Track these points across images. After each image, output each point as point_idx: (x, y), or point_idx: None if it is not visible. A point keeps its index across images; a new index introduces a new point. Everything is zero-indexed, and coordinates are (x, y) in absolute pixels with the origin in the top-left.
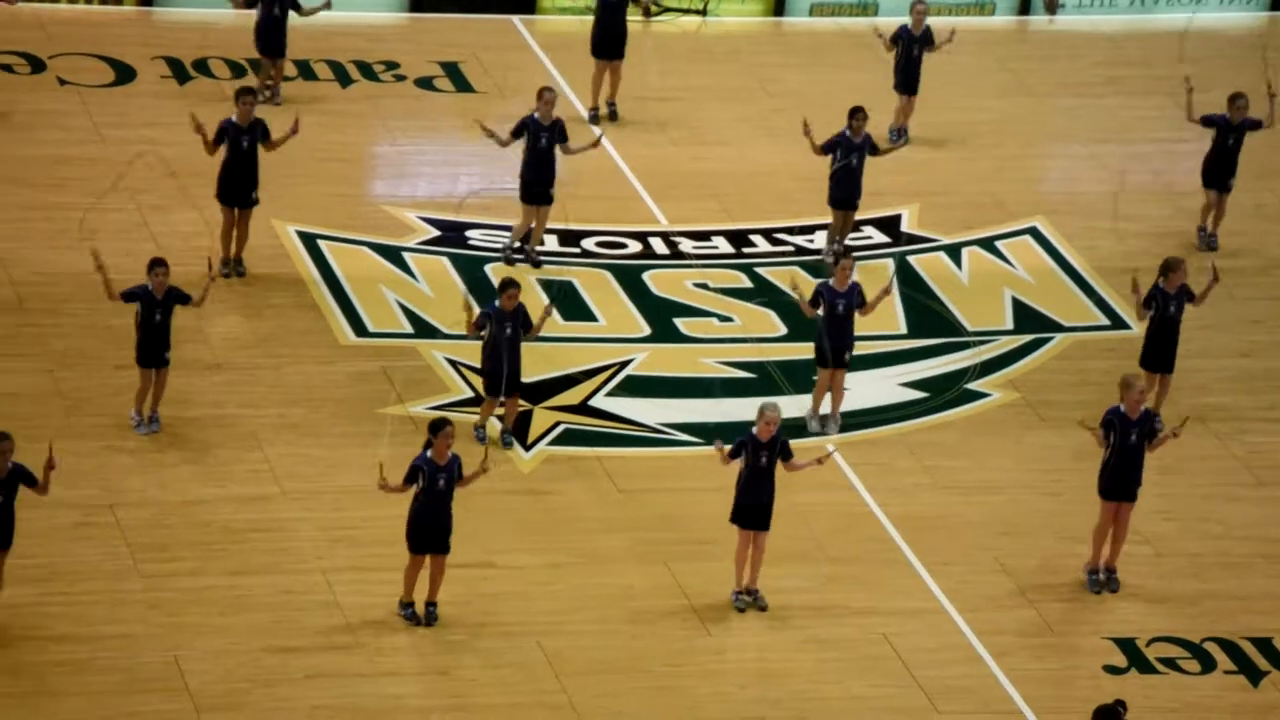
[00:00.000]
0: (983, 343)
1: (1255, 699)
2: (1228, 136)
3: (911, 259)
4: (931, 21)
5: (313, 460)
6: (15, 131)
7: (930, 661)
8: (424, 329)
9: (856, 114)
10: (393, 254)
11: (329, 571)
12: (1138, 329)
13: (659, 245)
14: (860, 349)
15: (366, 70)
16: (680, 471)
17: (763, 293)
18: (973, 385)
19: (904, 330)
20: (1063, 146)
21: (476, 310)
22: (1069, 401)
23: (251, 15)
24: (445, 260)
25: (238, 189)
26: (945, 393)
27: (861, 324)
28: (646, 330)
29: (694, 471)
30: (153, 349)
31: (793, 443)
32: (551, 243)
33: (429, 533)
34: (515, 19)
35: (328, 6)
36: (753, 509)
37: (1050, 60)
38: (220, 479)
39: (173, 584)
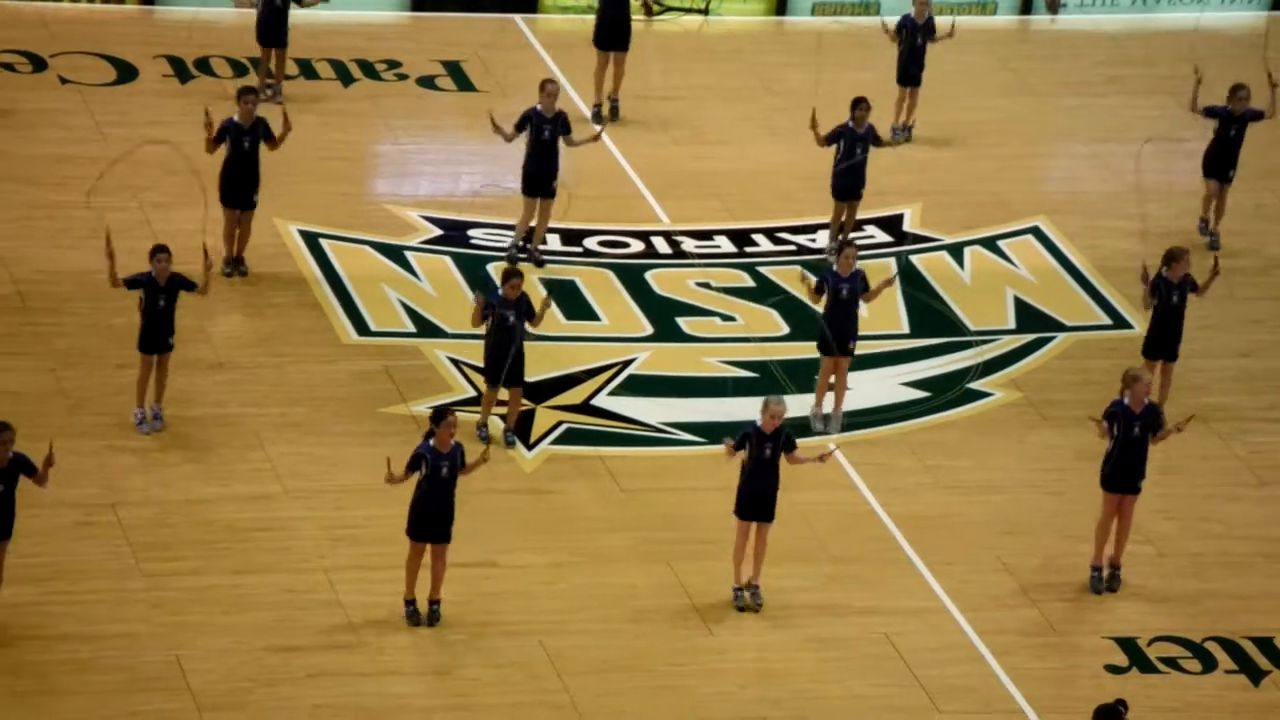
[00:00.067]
0: (985, 342)
1: (1256, 698)
2: (1230, 127)
3: (914, 258)
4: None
5: (315, 459)
6: (17, 130)
7: (932, 661)
8: (426, 328)
9: (859, 105)
10: (395, 253)
11: (331, 570)
12: (1139, 328)
13: (661, 244)
14: (862, 348)
15: (368, 69)
16: (683, 471)
17: (765, 292)
18: (975, 385)
19: (906, 330)
20: (1065, 146)
21: (481, 300)
22: (1071, 401)
23: (252, 14)
24: (448, 259)
25: (239, 190)
26: (947, 392)
27: (864, 323)
28: (649, 329)
29: (697, 471)
30: (156, 335)
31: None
32: (554, 242)
33: (431, 520)
34: (517, 18)
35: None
36: (756, 498)
37: (1052, 60)
38: (222, 478)
39: (175, 583)
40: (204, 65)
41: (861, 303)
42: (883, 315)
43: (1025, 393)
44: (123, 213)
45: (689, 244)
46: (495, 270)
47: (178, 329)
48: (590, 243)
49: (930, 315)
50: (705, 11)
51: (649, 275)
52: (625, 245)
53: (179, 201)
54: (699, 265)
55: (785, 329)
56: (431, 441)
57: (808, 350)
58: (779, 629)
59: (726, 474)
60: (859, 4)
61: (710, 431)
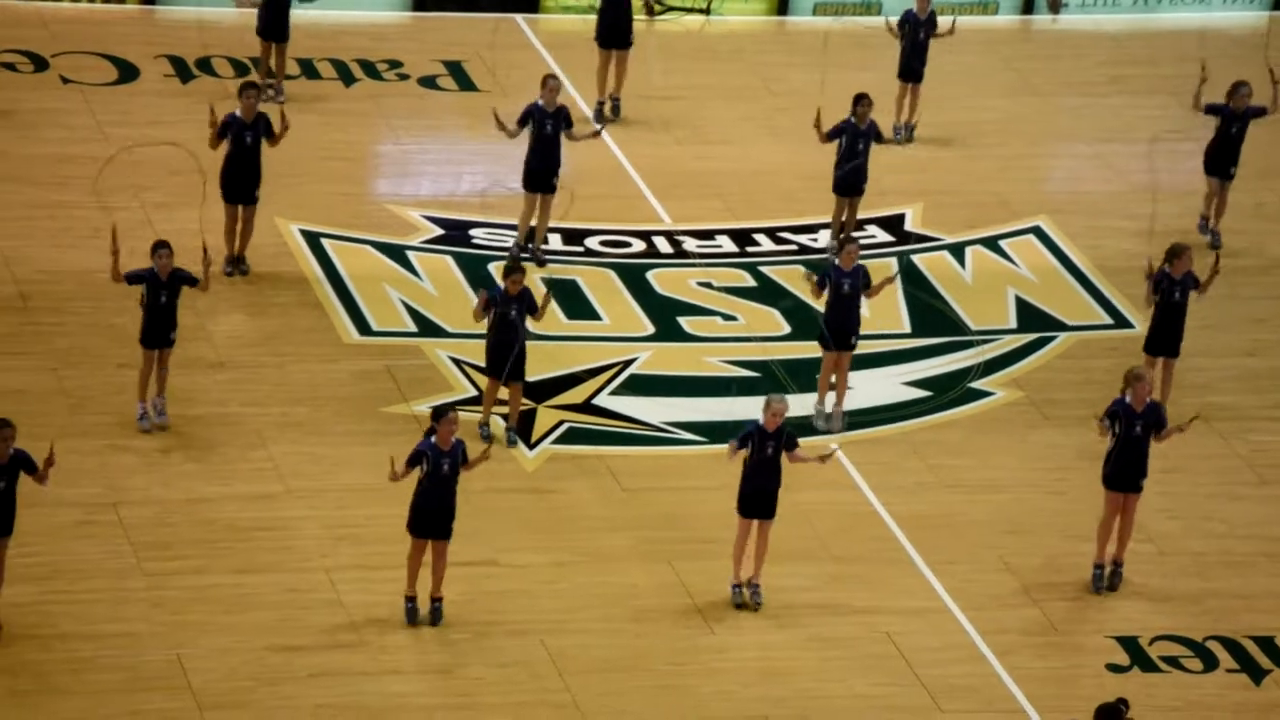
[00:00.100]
0: (986, 342)
1: (1257, 697)
2: (1231, 125)
3: (915, 258)
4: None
5: (317, 459)
6: (18, 130)
7: (934, 660)
8: (428, 327)
9: (861, 100)
10: (396, 252)
11: (333, 570)
12: (1140, 327)
13: (663, 244)
14: (864, 347)
15: (370, 69)
16: (684, 470)
17: (774, 295)
18: (976, 384)
19: (908, 329)
20: (1067, 146)
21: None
22: (1072, 400)
23: (254, 14)
24: (449, 259)
25: (241, 185)
26: (949, 392)
27: (866, 323)
28: (650, 329)
29: (698, 470)
30: (157, 329)
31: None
32: (555, 241)
33: (432, 517)
34: (518, 17)
35: None
36: (758, 496)
37: (1054, 59)
38: (224, 477)
39: (176, 582)
40: (205, 65)
41: (864, 299)
42: (884, 315)
43: (1027, 392)
44: (124, 212)
45: (690, 244)
46: (497, 270)
47: (180, 328)
48: (592, 242)
49: (932, 315)
50: (707, 11)
51: (650, 275)
52: (627, 245)
53: (181, 201)
54: (700, 265)
55: (787, 329)
56: (433, 439)
57: (809, 350)
58: (781, 628)
59: (728, 473)
60: (861, 3)
61: (712, 431)
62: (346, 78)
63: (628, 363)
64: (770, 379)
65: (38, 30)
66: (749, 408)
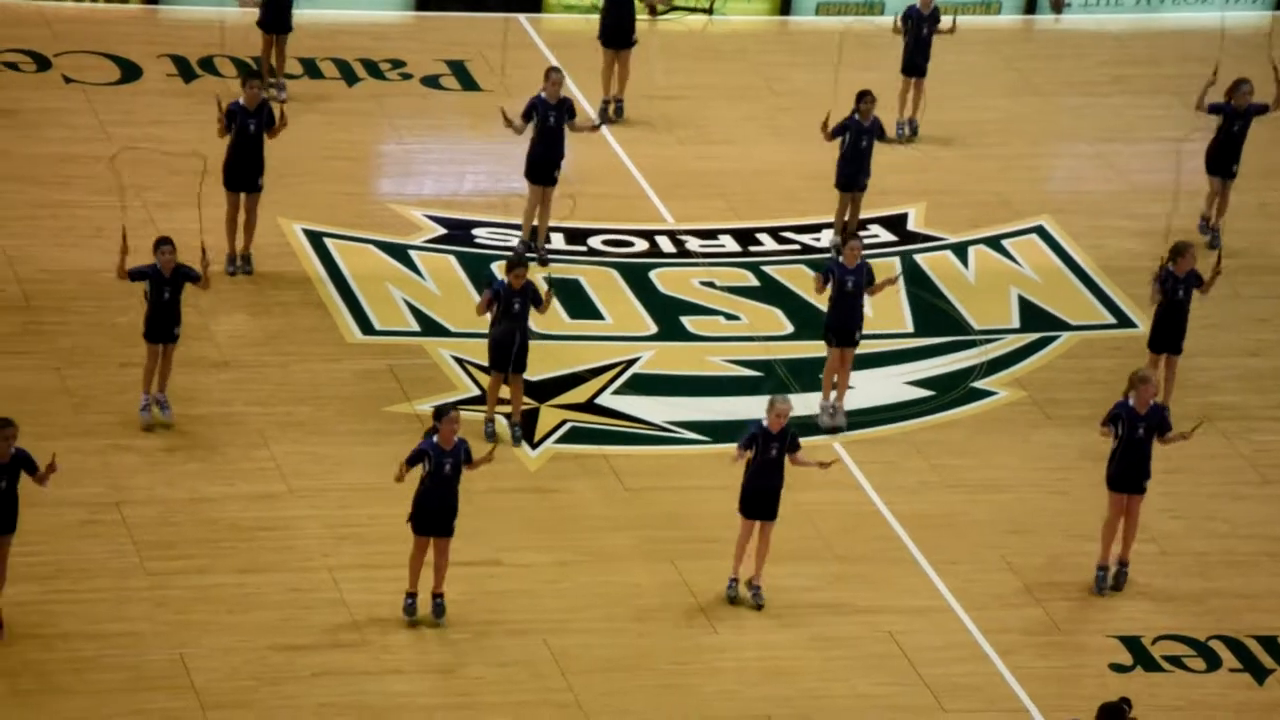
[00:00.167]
0: (989, 341)
1: (1260, 697)
2: (1233, 123)
3: (918, 257)
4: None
5: (319, 458)
6: (21, 130)
7: (936, 660)
8: (431, 327)
9: (864, 97)
10: (399, 252)
11: (335, 569)
12: (1143, 327)
13: (665, 244)
14: (866, 347)
15: (372, 68)
16: (687, 469)
17: (770, 291)
18: (979, 384)
19: (910, 329)
20: (1069, 145)
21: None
22: (1075, 400)
23: (255, 14)
24: (452, 258)
25: (244, 173)
26: (951, 391)
27: (869, 322)
28: (653, 328)
29: (701, 469)
30: (161, 325)
31: (802, 442)
32: (558, 241)
33: (434, 515)
34: (521, 17)
35: None
36: (762, 495)
37: (1056, 59)
38: (227, 477)
39: (179, 582)
40: (208, 64)
41: (865, 296)
42: (887, 314)
43: (1029, 392)
44: (127, 210)
45: (693, 243)
46: (499, 269)
47: (183, 325)
48: (594, 242)
49: (934, 314)
50: (710, 11)
51: (653, 274)
52: (629, 244)
53: (182, 201)
54: (703, 264)
55: (789, 328)
56: (435, 438)
57: (812, 349)
58: (783, 628)
59: (730, 473)
60: (864, 3)
61: (714, 430)
62: (349, 77)
63: (630, 362)
64: (773, 378)
65: (40, 30)
66: (751, 407)
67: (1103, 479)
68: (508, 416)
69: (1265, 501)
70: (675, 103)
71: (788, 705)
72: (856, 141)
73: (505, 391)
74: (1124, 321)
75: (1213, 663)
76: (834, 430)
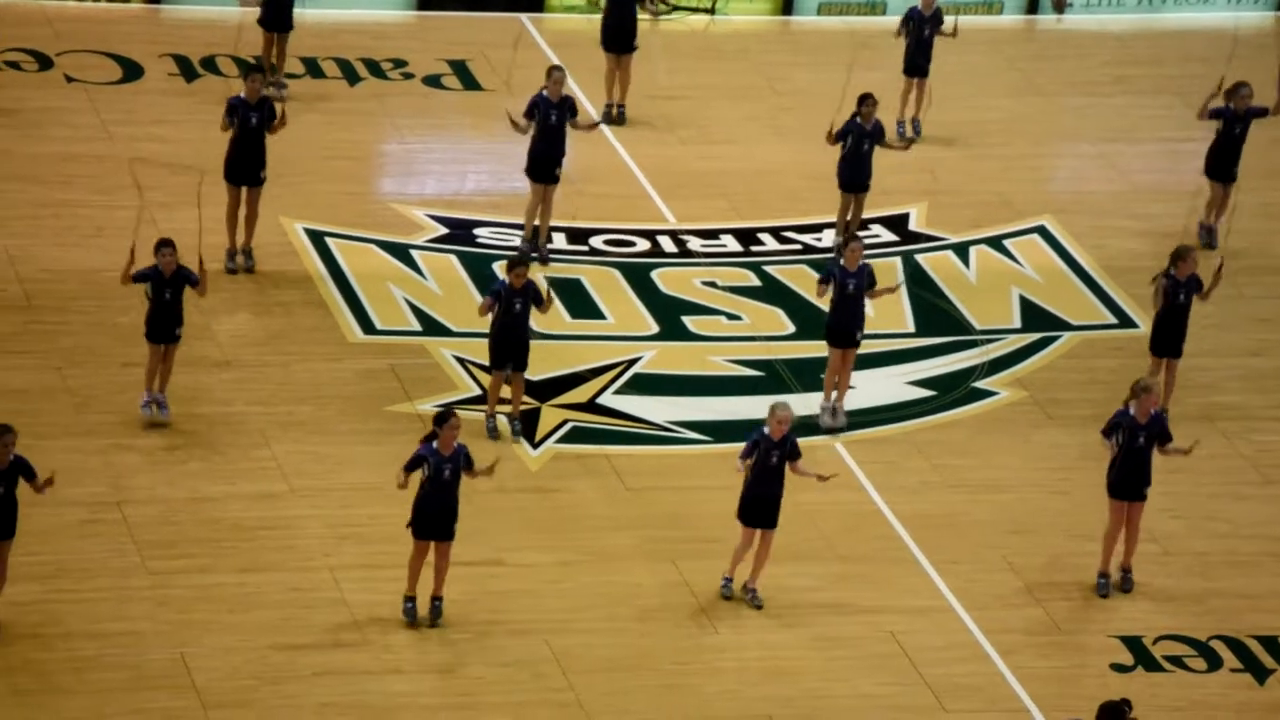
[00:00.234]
0: (990, 341)
1: (1261, 697)
2: (1234, 126)
3: (919, 257)
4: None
5: (320, 458)
6: (23, 129)
7: (938, 660)
8: (432, 326)
9: (866, 100)
10: (401, 252)
11: (337, 569)
12: (1145, 327)
13: (667, 243)
14: (868, 347)
15: (374, 68)
16: (688, 469)
17: (771, 291)
18: (980, 384)
19: (912, 329)
20: (1071, 146)
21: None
22: (1077, 400)
23: (256, 13)
24: (453, 258)
25: (245, 167)
26: (953, 391)
27: (870, 322)
28: (655, 328)
29: (702, 469)
30: (163, 325)
31: (803, 442)
32: (560, 240)
33: (434, 519)
34: (523, 17)
35: None
36: (762, 503)
37: (1058, 59)
38: (228, 476)
39: (180, 581)
40: (210, 64)
41: (866, 299)
42: (888, 314)
43: (1031, 392)
44: (127, 211)
45: (695, 243)
46: (500, 269)
47: (185, 326)
48: (596, 241)
49: (936, 314)
50: (711, 11)
51: (655, 274)
52: (631, 244)
53: (182, 201)
54: (705, 264)
55: (791, 328)
56: (434, 443)
57: (813, 349)
58: (785, 628)
59: (731, 473)
60: (865, 4)
61: (716, 430)
62: (351, 77)
63: (632, 362)
64: (774, 378)
65: (42, 29)
66: (753, 406)
67: (1104, 479)
68: (509, 416)
69: (1266, 501)
70: (677, 102)
71: (789, 705)
72: (858, 144)
73: (506, 391)
74: (1125, 322)
75: (1214, 663)
76: (834, 430)
